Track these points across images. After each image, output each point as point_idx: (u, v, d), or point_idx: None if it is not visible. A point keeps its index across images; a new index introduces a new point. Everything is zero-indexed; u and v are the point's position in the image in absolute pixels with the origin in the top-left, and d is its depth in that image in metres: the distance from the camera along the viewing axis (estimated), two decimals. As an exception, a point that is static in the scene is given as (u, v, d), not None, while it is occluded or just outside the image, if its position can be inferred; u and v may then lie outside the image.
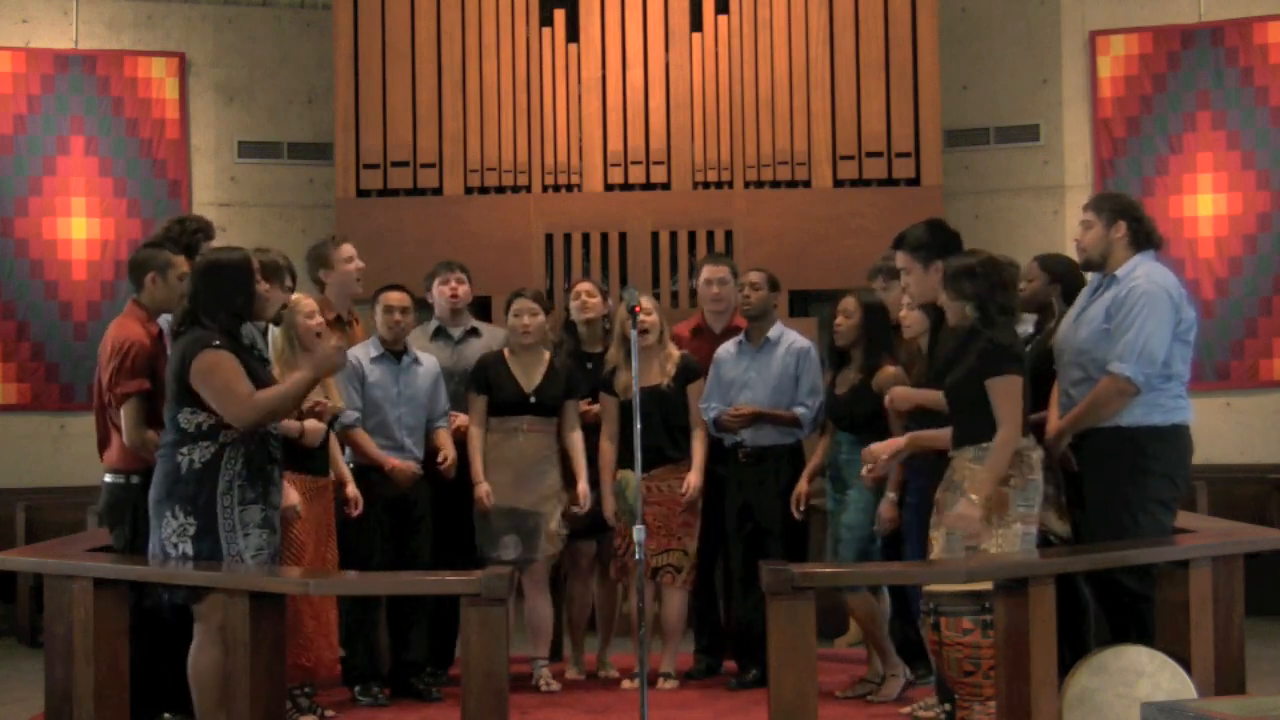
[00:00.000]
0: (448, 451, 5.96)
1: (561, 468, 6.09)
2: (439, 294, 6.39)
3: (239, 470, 4.58)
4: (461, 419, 6.12)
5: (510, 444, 6.01)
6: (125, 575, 4.69)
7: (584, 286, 6.40)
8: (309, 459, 5.38)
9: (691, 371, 6.10)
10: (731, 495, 6.06)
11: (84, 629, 4.60)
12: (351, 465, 5.85)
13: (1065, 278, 5.36)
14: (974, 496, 4.56)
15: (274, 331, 5.46)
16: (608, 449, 6.06)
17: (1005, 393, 4.60)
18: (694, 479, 5.99)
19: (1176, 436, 4.83)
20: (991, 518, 4.59)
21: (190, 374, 4.51)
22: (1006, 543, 4.57)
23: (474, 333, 6.44)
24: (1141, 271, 4.84)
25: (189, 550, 4.52)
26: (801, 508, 5.94)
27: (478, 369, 6.10)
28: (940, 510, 4.75)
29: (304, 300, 5.56)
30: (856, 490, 5.63)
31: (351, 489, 5.67)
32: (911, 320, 5.37)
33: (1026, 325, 5.52)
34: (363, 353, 5.97)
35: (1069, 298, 5.29)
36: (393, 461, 5.79)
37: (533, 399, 6.01)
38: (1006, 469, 4.59)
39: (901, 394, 5.16)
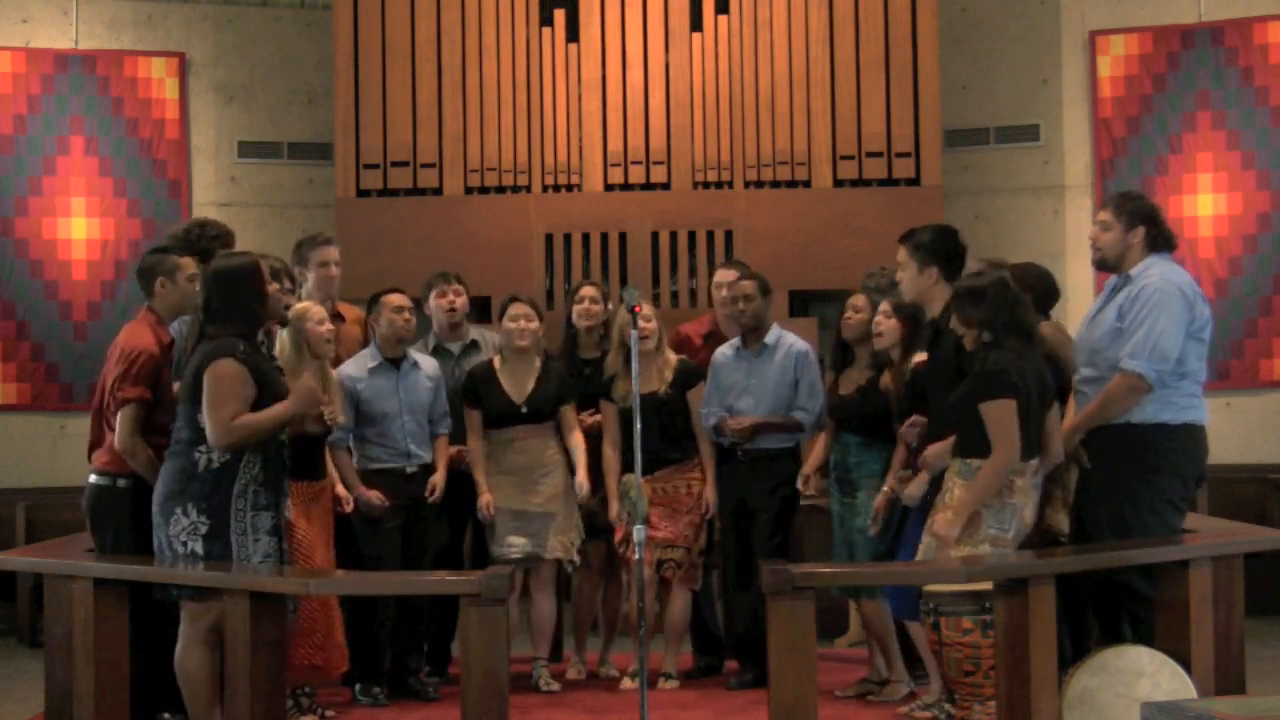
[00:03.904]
0: (436, 480, 5.92)
1: (568, 468, 6.08)
2: (436, 306, 6.35)
3: (256, 475, 4.59)
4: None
5: (508, 455, 6.01)
6: (125, 575, 4.69)
7: (588, 291, 6.34)
8: (307, 465, 5.39)
9: (690, 376, 6.09)
10: (726, 493, 6.06)
11: (84, 629, 4.60)
12: (360, 470, 5.86)
13: (1036, 288, 5.36)
14: (951, 515, 4.59)
15: (281, 335, 5.47)
16: (611, 456, 6.05)
17: (997, 418, 4.60)
18: (710, 495, 6.01)
19: (1188, 435, 4.82)
20: (963, 535, 4.61)
21: (204, 376, 4.53)
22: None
23: (474, 346, 6.39)
24: (1155, 271, 4.86)
25: (199, 549, 4.53)
26: (807, 489, 5.94)
27: (468, 383, 6.08)
28: (934, 514, 4.75)
29: (313, 307, 5.60)
30: (865, 494, 5.59)
31: (340, 490, 5.68)
32: (886, 329, 5.41)
33: None
34: (357, 367, 5.93)
35: (1040, 306, 5.30)
36: (360, 490, 5.74)
37: (524, 409, 5.99)
38: (992, 494, 4.60)
39: (936, 451, 4.97)
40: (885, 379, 5.55)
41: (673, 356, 6.13)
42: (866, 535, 5.59)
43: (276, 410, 4.67)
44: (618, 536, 6.03)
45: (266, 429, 4.62)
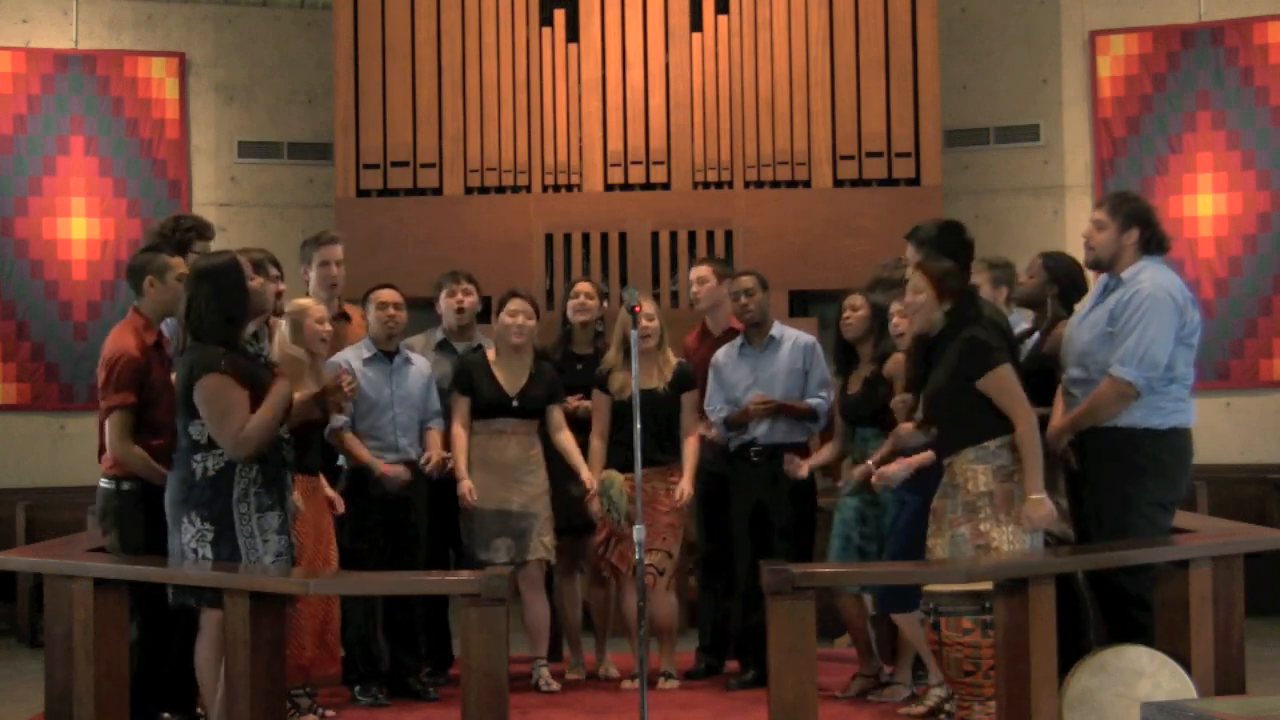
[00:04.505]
0: (433, 453, 5.94)
1: (548, 468, 6.08)
2: (446, 305, 6.38)
3: (254, 478, 4.59)
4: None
5: (495, 447, 6.00)
6: (125, 575, 4.69)
7: (584, 287, 6.38)
8: (303, 458, 5.38)
9: (688, 379, 6.09)
10: (742, 495, 6.03)
11: (84, 629, 4.60)
12: (346, 467, 5.86)
13: (1064, 280, 5.35)
14: (1035, 496, 4.55)
15: (281, 327, 5.46)
16: (598, 446, 6.06)
17: (1002, 385, 4.59)
18: (686, 487, 5.98)
19: (1175, 439, 4.83)
20: (999, 515, 4.58)
21: (194, 395, 4.52)
22: (1016, 537, 4.56)
23: (479, 351, 6.40)
24: (1146, 275, 4.84)
25: (209, 555, 4.54)
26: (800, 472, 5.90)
27: (461, 370, 6.09)
28: (939, 519, 4.72)
29: (314, 306, 5.60)
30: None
31: (329, 491, 5.67)
32: (905, 327, 5.37)
33: (1023, 321, 5.52)
34: (354, 355, 5.95)
35: (1065, 300, 5.29)
36: (383, 467, 5.78)
37: (515, 402, 6.00)
38: (1040, 450, 4.59)
39: (908, 429, 5.00)
40: (890, 365, 5.52)
41: (673, 358, 6.13)
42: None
43: (273, 394, 4.62)
44: (600, 536, 6.03)
45: (275, 418, 4.60)
